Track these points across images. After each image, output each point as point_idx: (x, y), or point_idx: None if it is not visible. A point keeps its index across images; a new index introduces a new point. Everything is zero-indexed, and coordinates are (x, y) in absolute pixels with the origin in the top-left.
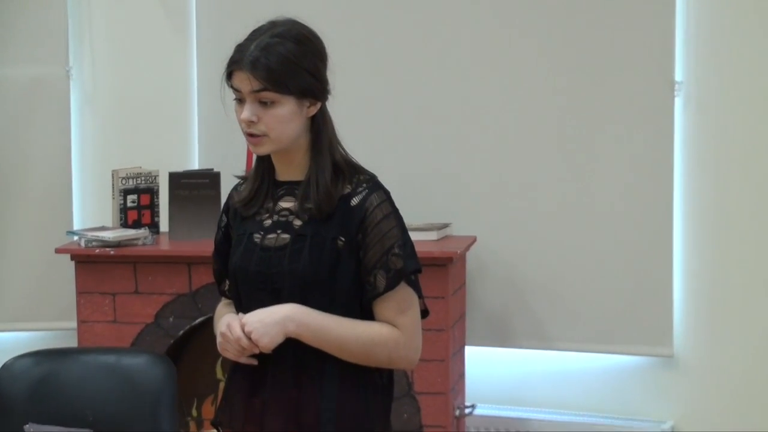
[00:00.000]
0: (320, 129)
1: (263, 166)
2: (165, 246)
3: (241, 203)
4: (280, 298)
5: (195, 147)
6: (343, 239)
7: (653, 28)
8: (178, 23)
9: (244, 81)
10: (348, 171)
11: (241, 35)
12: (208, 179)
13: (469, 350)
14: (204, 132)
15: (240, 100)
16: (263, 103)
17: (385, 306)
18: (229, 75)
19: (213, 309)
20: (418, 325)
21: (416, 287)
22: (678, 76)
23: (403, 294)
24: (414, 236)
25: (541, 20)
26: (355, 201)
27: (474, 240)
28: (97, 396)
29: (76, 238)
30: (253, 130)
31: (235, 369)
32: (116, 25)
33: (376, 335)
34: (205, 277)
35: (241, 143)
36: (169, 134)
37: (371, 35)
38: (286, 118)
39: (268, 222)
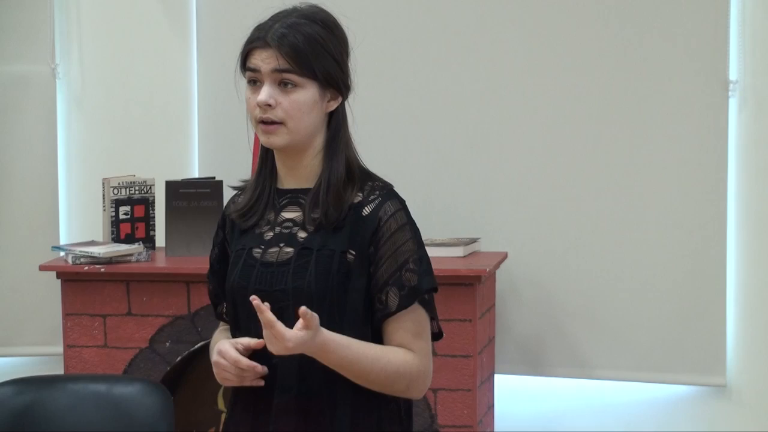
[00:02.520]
0: (338, 128)
1: (264, 173)
2: (161, 263)
3: (237, 214)
4: (283, 318)
5: (195, 153)
6: (353, 253)
7: (706, 25)
8: (176, 16)
9: (267, 59)
10: (360, 178)
11: (246, 29)
12: (209, 189)
13: (498, 379)
14: (205, 136)
15: (254, 83)
16: (284, 87)
17: (397, 327)
18: (246, 56)
19: (213, 332)
20: (430, 349)
21: (431, 308)
22: (732, 75)
23: (418, 315)
24: (439, 252)
25: (588, 20)
26: (366, 210)
27: (505, 256)
28: (85, 429)
29: (62, 254)
30: (269, 115)
31: (235, 401)
32: (107, 18)
33: (401, 364)
34: (205, 297)
35: (246, 149)
36: (166, 139)
37: (396, 37)
38: (306, 105)
39: (270, 235)
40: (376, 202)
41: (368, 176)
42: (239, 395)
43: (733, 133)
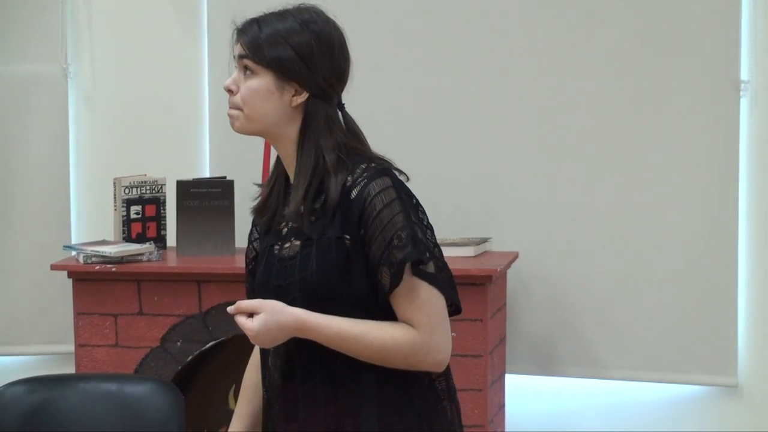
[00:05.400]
0: (307, 122)
1: (278, 169)
2: (172, 262)
3: (253, 212)
4: None
5: (206, 152)
6: (348, 237)
7: (717, 25)
8: (187, 16)
9: (236, 47)
10: (351, 163)
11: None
12: (221, 188)
13: (509, 379)
14: (216, 136)
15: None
16: (245, 73)
17: (398, 304)
18: None
19: (224, 331)
20: (439, 321)
21: (432, 279)
22: (744, 74)
23: (414, 288)
24: (449, 252)
25: (598, 21)
26: (354, 193)
27: (516, 256)
28: (96, 428)
29: (74, 253)
30: (230, 101)
31: (268, 396)
32: (118, 18)
33: (388, 340)
34: (216, 296)
35: (258, 148)
36: (177, 138)
37: (409, 36)
38: (260, 93)
39: (285, 230)
40: (362, 183)
41: (364, 160)
42: (271, 391)
43: (744, 132)
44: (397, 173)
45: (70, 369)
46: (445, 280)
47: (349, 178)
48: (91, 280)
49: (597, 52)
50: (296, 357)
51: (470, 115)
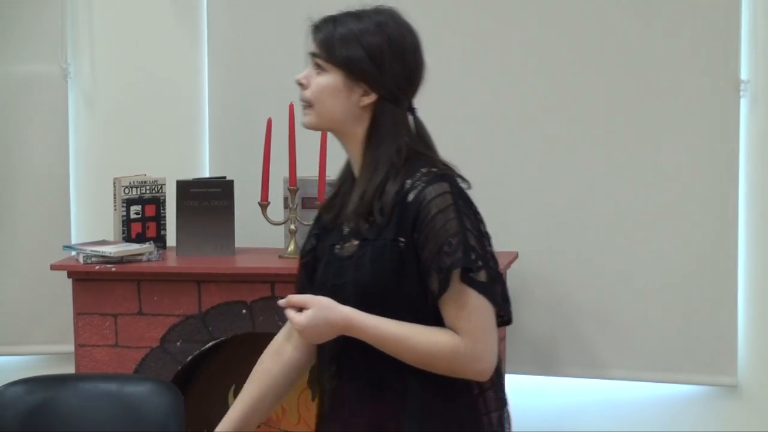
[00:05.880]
0: (375, 124)
1: (348, 168)
2: (172, 262)
3: (320, 207)
4: None
5: (205, 152)
6: (403, 240)
7: (717, 24)
8: (187, 16)
9: (310, 44)
10: (412, 167)
11: (257, 29)
12: (221, 188)
13: (509, 378)
14: (215, 136)
15: None
16: (316, 70)
17: (446, 310)
18: None
19: (224, 331)
20: (485, 331)
21: (482, 287)
22: (744, 74)
23: (463, 295)
24: None
25: (598, 20)
26: (410, 197)
27: (516, 256)
28: (96, 428)
29: (73, 253)
30: (302, 95)
31: (320, 393)
32: (118, 18)
33: (432, 344)
34: (215, 296)
35: (257, 148)
36: (177, 138)
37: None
38: (328, 89)
39: (346, 230)
40: (420, 187)
41: (425, 164)
42: (322, 388)
43: (744, 132)
44: (458, 180)
45: (69, 369)
46: (496, 290)
47: (408, 182)
48: (91, 280)
49: (596, 52)
50: (344, 356)
51: (469, 116)
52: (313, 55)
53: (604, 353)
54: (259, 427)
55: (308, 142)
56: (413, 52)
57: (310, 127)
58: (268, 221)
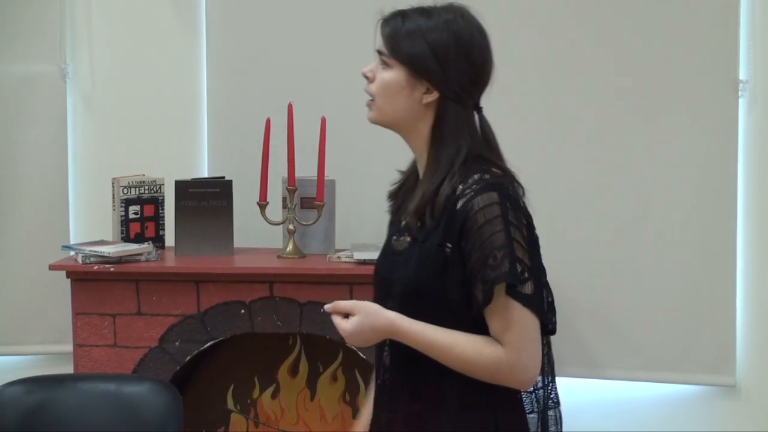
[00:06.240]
0: (438, 122)
1: (415, 163)
2: (170, 262)
3: (389, 195)
4: (386, 303)
5: (204, 152)
6: (449, 246)
7: (716, 25)
8: (186, 16)
9: (378, 39)
10: (468, 170)
11: (255, 29)
12: (219, 188)
13: None
14: (214, 136)
15: None
16: (383, 65)
17: (490, 320)
18: None
19: (222, 331)
20: (528, 342)
21: (526, 300)
22: (742, 74)
23: (507, 308)
24: None
25: (597, 20)
26: (460, 204)
27: None
28: (95, 428)
29: (72, 253)
30: (367, 89)
31: (375, 380)
32: (117, 18)
33: (476, 354)
34: (214, 296)
35: (256, 148)
36: (176, 138)
37: None
38: (390, 85)
39: (404, 223)
40: (469, 195)
41: (480, 170)
42: (376, 378)
43: (742, 132)
44: (511, 188)
45: (68, 369)
46: (541, 302)
47: (459, 187)
48: (90, 280)
49: (595, 52)
50: (390, 351)
51: None
52: (379, 51)
53: (602, 353)
54: (258, 426)
55: (307, 142)
56: (481, 52)
57: (373, 121)
58: (266, 221)
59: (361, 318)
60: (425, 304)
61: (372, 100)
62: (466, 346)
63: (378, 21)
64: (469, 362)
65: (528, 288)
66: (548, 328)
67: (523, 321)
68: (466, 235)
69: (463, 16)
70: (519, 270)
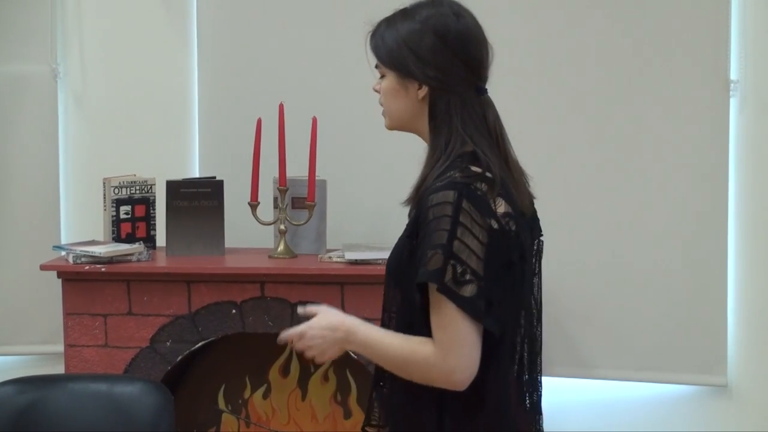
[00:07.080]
0: (430, 117)
1: None
2: (162, 262)
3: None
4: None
5: (195, 152)
6: (415, 239)
7: (707, 25)
8: (177, 16)
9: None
10: (448, 166)
11: (246, 29)
12: (210, 188)
13: None
14: (205, 136)
15: None
16: (380, 77)
17: (431, 317)
18: None
19: (214, 331)
20: (458, 344)
21: (460, 301)
22: (733, 74)
23: (441, 307)
24: None
25: (589, 21)
26: (425, 198)
27: None
28: (86, 428)
29: (63, 253)
30: (379, 101)
31: (374, 397)
32: (108, 18)
33: (408, 354)
34: (205, 296)
35: (247, 148)
36: (167, 138)
37: None
38: (388, 92)
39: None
40: (431, 190)
41: (456, 167)
42: (377, 397)
43: (733, 132)
44: (479, 190)
45: (59, 369)
46: (481, 306)
47: (433, 182)
48: (81, 281)
49: (587, 52)
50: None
51: None
52: (375, 65)
53: (594, 353)
54: (249, 426)
55: (298, 142)
56: (457, 37)
57: (389, 128)
58: (257, 221)
59: (318, 317)
60: (403, 292)
61: (384, 111)
62: (401, 346)
63: (367, 35)
64: (404, 362)
65: (468, 290)
66: (493, 328)
67: (455, 321)
68: (420, 230)
69: (442, 5)
70: (459, 271)
